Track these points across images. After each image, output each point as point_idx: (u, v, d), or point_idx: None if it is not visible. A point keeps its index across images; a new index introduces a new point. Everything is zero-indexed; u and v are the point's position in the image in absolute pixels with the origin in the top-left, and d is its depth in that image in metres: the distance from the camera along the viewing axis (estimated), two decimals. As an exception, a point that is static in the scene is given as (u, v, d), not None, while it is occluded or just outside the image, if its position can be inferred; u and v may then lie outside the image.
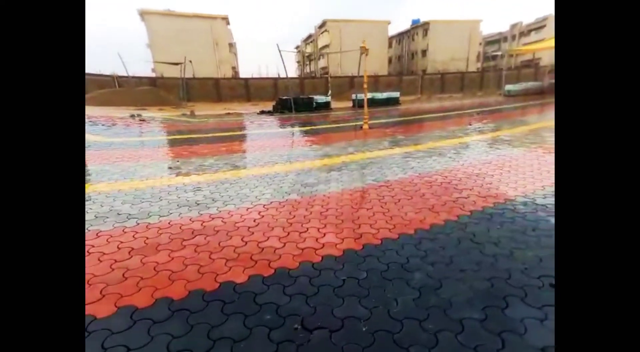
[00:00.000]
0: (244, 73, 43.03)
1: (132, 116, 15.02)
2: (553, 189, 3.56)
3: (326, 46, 42.16)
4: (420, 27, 44.86)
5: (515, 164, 5.03)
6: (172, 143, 8.59)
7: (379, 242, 2.57)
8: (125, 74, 27.17)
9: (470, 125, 10.31)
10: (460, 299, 1.84)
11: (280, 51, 17.60)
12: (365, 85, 10.69)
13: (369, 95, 21.58)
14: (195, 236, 2.75)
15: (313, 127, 11.55)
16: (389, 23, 43.00)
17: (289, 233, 2.77)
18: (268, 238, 2.68)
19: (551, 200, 3.41)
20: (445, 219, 3.01)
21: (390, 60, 53.05)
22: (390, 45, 53.16)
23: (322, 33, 43.48)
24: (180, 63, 22.64)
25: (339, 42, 40.72)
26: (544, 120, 10.69)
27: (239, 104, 27.09)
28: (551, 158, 5.46)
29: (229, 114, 17.04)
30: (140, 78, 28.61)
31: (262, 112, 17.19)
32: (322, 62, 45.05)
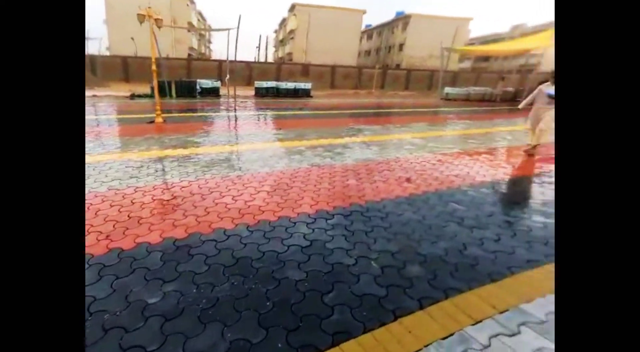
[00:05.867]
0: (222, 56, 40.77)
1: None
2: None
3: (293, 31, 39.55)
4: (401, 20, 41.76)
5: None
6: None
7: None
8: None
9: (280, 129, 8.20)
10: None
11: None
12: (153, 67, 8.76)
13: (272, 83, 19.51)
14: None
15: (109, 117, 9.63)
16: (364, 12, 40.02)
17: None
18: None
19: None
20: None
21: (369, 53, 50.00)
22: (370, 37, 50.10)
23: (290, 17, 40.84)
24: (90, 38, 20.74)
25: (306, 27, 38.03)
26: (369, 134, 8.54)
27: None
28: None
29: (95, 96, 15.13)
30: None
31: (133, 96, 15.22)
32: (288, 48, 42.54)
